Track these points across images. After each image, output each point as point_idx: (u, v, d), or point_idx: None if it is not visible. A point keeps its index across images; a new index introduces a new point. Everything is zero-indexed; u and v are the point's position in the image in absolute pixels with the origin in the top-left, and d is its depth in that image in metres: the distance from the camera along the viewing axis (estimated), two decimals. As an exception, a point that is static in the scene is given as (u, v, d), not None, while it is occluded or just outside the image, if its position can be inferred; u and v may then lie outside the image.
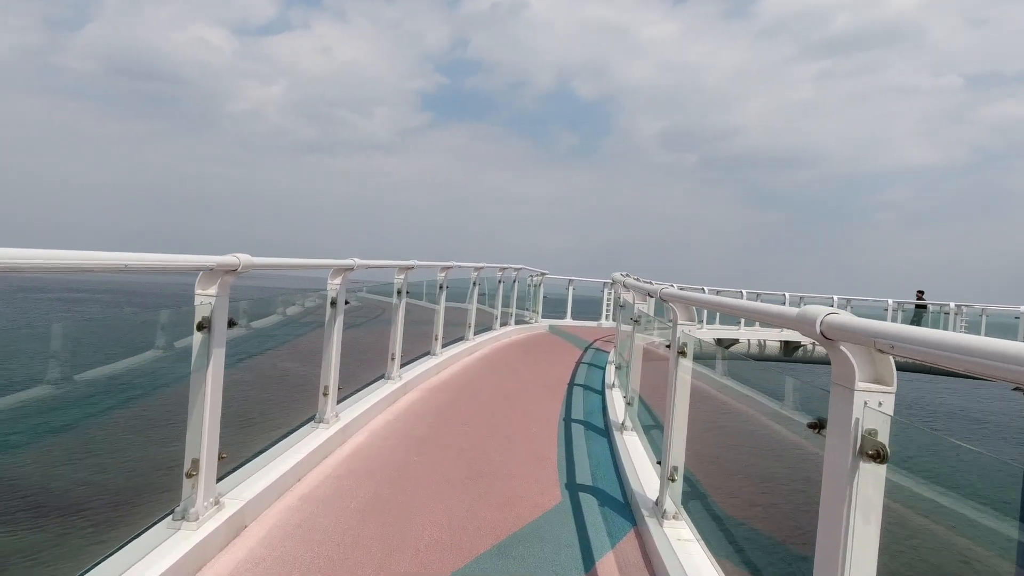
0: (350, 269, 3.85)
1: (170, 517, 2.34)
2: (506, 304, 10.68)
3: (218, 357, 2.41)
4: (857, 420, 1.28)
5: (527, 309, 12.52)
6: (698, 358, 2.79)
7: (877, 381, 1.29)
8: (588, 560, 2.56)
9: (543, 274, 12.98)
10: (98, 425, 2.33)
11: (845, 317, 1.23)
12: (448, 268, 6.79)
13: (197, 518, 2.34)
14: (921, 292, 18.99)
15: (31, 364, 2.05)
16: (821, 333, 1.27)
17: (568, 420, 4.94)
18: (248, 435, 3.22)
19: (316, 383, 3.84)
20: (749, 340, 16.18)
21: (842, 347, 1.28)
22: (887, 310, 17.48)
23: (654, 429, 3.98)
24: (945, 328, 17.47)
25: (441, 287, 6.73)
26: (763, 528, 2.34)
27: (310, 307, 4.10)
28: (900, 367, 1.28)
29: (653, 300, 4.50)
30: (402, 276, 5.32)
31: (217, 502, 2.49)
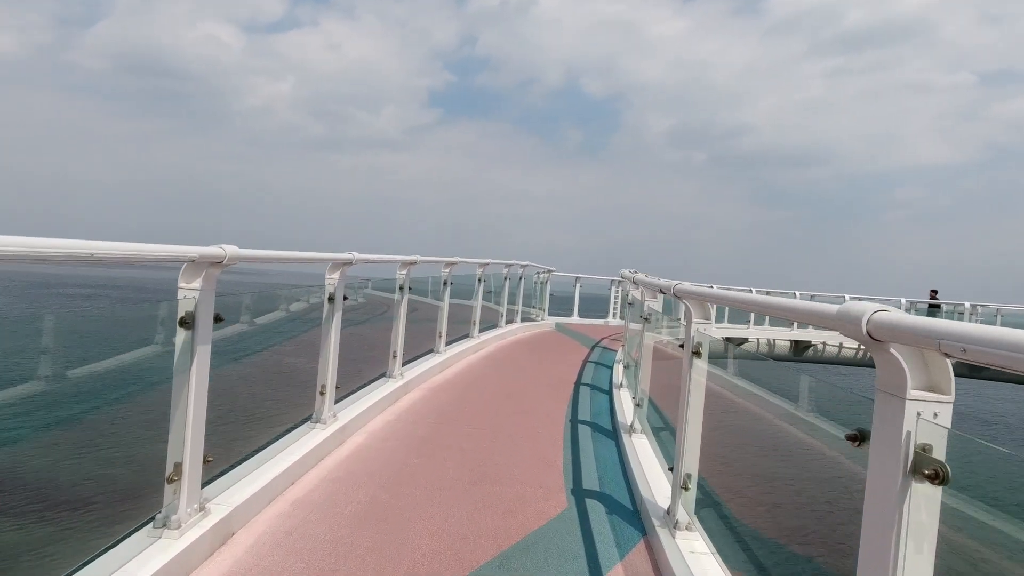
0: (348, 263, 3.71)
1: (151, 524, 2.20)
2: (512, 301, 10.52)
3: (203, 355, 2.26)
4: (908, 434, 1.11)
5: (533, 306, 12.36)
6: (713, 356, 2.63)
7: (932, 388, 1.13)
8: (595, 573, 2.40)
9: (550, 271, 12.82)
10: (72, 427, 2.19)
11: (897, 315, 1.06)
12: (452, 264, 6.64)
13: (179, 526, 2.20)
14: (935, 291, 18.69)
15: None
16: (868, 333, 1.11)
17: (574, 421, 4.78)
18: (240, 436, 3.08)
19: (314, 382, 3.70)
20: (758, 339, 15.96)
21: (892, 349, 1.11)
22: (900, 309, 17.18)
23: (665, 432, 3.82)
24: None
25: (445, 283, 6.58)
26: (787, 544, 2.18)
27: (309, 303, 3.96)
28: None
29: (662, 298, 4.34)
30: (404, 272, 5.17)
31: (202, 508, 2.35)
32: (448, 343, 6.98)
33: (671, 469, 2.79)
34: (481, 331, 8.38)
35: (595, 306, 15.29)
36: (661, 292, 3.64)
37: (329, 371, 3.68)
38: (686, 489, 2.54)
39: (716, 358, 2.67)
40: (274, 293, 4.15)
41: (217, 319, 2.36)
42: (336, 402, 3.97)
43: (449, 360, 6.64)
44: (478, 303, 8.13)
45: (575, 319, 14.08)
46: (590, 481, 3.45)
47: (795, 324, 16.28)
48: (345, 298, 3.84)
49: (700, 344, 2.55)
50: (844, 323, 1.17)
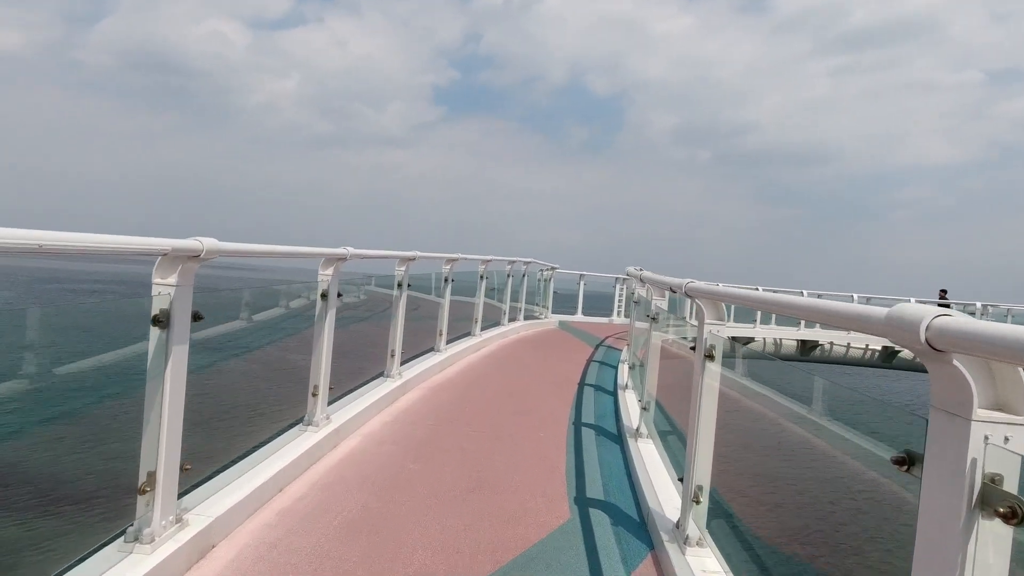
0: (343, 259, 3.54)
1: (122, 538, 2.04)
2: (515, 299, 10.36)
3: (179, 355, 2.10)
4: (974, 461, 0.94)
5: (537, 304, 12.19)
6: (726, 357, 2.45)
7: (1001, 407, 0.96)
8: (600, 592, 2.24)
9: (553, 268, 12.64)
10: (36, 432, 2.04)
11: (964, 321, 0.89)
12: (454, 260, 6.47)
13: (152, 539, 2.05)
14: (944, 291, 18.42)
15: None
16: (927, 341, 0.93)
17: (578, 424, 4.61)
18: (224, 441, 2.93)
19: (306, 383, 3.54)
20: (765, 338, 15.75)
21: (955, 361, 0.94)
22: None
23: (672, 436, 3.65)
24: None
25: (446, 280, 6.42)
26: (810, 565, 2.01)
27: (301, 300, 3.80)
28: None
29: (667, 296, 4.16)
30: (403, 268, 5.01)
31: (179, 520, 2.19)
32: (449, 341, 6.82)
33: (681, 480, 2.62)
34: (483, 329, 8.22)
35: (599, 304, 15.11)
36: (671, 291, 3.47)
37: (322, 371, 3.52)
38: (697, 502, 2.37)
39: (728, 357, 2.50)
40: (266, 289, 4.00)
41: (196, 317, 2.20)
42: (330, 403, 3.81)
43: (450, 359, 6.48)
44: (480, 301, 7.97)
45: (579, 317, 13.90)
46: (594, 489, 3.28)
47: (802, 323, 16.06)
48: (340, 295, 3.68)
49: (713, 347, 2.38)
50: (896, 329, 1.00)
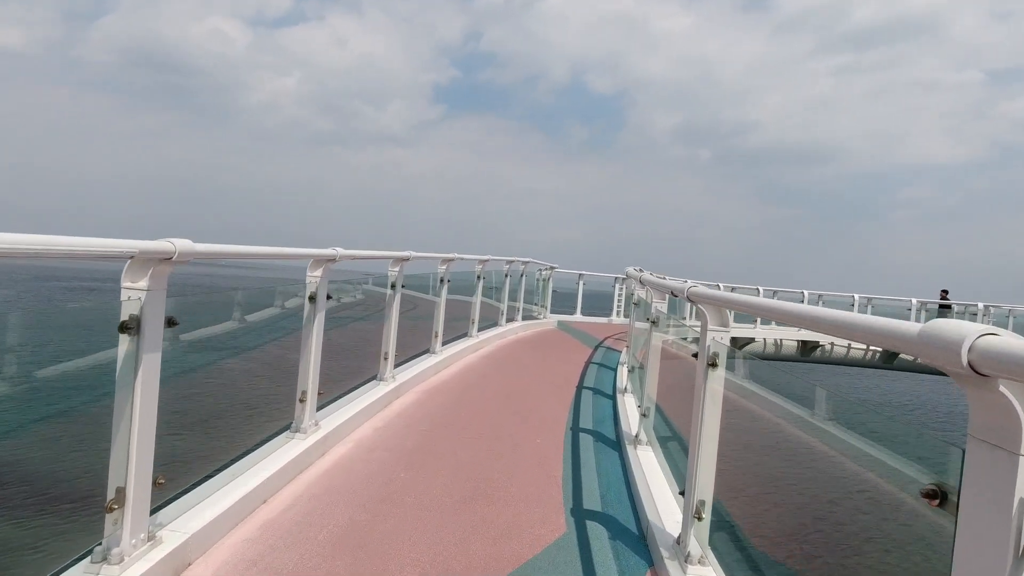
0: (332, 260, 3.42)
1: (89, 559, 1.92)
2: (513, 299, 10.24)
3: (150, 364, 1.98)
4: (1022, 502, 0.82)
5: (535, 304, 12.07)
6: (732, 359, 2.33)
7: (1053, 441, 0.84)
8: (597, 614, 2.12)
9: (552, 268, 12.52)
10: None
11: (1015, 343, 0.77)
12: (450, 260, 6.35)
13: (122, 559, 1.93)
14: (945, 291, 18.33)
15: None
16: (969, 364, 0.81)
17: (576, 429, 4.49)
18: (205, 452, 2.81)
19: (293, 388, 3.42)
20: (765, 339, 15.64)
21: (1001, 388, 0.82)
22: (910, 310, 16.85)
23: (673, 443, 3.53)
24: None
25: (442, 281, 6.30)
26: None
27: (298, 301, 3.67)
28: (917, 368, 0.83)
29: (667, 299, 4.04)
30: (397, 269, 4.88)
31: (151, 537, 2.07)
32: (445, 343, 6.70)
33: (682, 493, 2.51)
34: (480, 330, 8.10)
35: (599, 303, 15.00)
36: (672, 295, 3.35)
37: (310, 376, 3.40)
38: (699, 519, 2.25)
39: (732, 358, 2.38)
40: (253, 291, 3.88)
41: (171, 323, 2.08)
42: (319, 409, 3.69)
43: (446, 361, 6.36)
44: (477, 301, 7.85)
45: (578, 317, 13.78)
46: (591, 500, 3.16)
47: (803, 324, 15.92)
48: (329, 297, 3.56)
49: (717, 354, 2.26)
50: (932, 348, 0.88)
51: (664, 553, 2.42)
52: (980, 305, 16.79)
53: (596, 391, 5.88)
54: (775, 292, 16.75)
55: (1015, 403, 0.82)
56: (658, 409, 3.90)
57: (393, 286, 4.89)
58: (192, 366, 3.05)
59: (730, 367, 2.32)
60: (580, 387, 6.03)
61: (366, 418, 4.19)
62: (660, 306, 3.86)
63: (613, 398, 5.48)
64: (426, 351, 6.24)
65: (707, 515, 2.26)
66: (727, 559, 2.24)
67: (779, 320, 1.60)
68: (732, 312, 2.30)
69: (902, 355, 16.03)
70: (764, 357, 15.80)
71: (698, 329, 2.40)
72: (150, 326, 1.96)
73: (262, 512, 2.69)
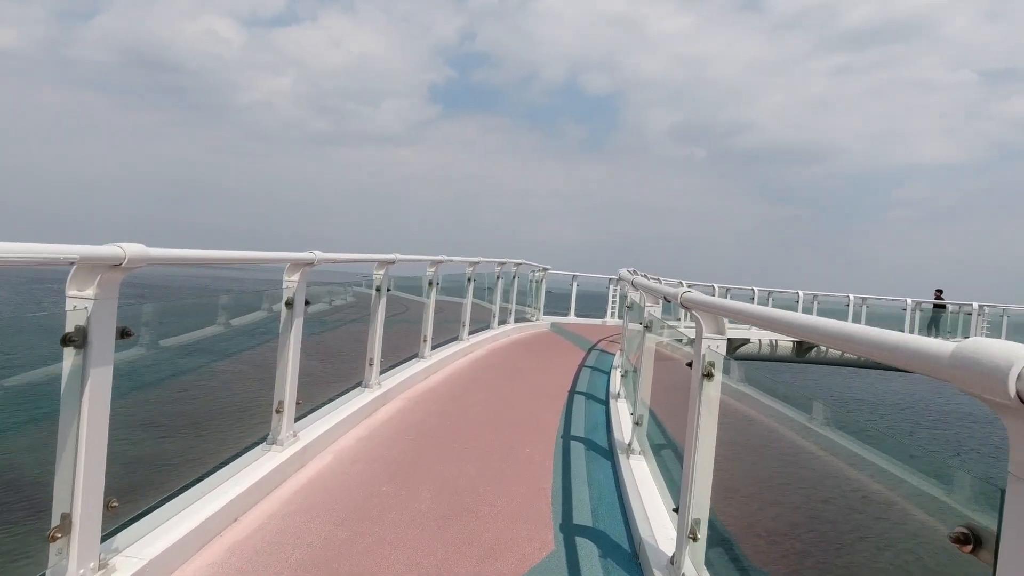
0: (310, 264, 3.27)
1: (31, 591, 1.77)
2: (505, 301, 10.09)
3: (100, 379, 1.83)
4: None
5: (528, 306, 11.93)
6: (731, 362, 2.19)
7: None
8: (585, 643, 1.98)
9: (545, 269, 12.38)
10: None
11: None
12: (438, 263, 6.20)
13: (69, 592, 1.77)
14: (940, 291, 18.29)
15: None
16: (1018, 395, 0.67)
17: (567, 437, 4.35)
18: (172, 467, 2.65)
19: (270, 397, 3.26)
20: (760, 340, 15.53)
21: (1055, 423, 0.68)
22: (905, 310, 16.79)
23: (667, 451, 3.39)
24: (967, 329, 16.78)
25: (431, 284, 6.15)
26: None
27: (266, 308, 3.52)
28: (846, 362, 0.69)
29: (660, 303, 3.89)
30: (382, 272, 4.73)
31: (104, 565, 1.92)
32: (435, 347, 6.55)
33: (676, 510, 2.36)
34: (471, 333, 7.94)
35: (594, 304, 14.87)
36: (666, 300, 3.21)
37: (287, 385, 3.24)
38: (695, 539, 2.11)
39: (733, 358, 2.24)
40: (229, 295, 3.71)
41: (124, 334, 1.92)
42: (299, 419, 3.54)
43: (434, 366, 6.20)
44: (468, 304, 7.70)
45: (572, 319, 13.66)
46: (582, 514, 3.02)
47: (798, 325, 15.84)
48: (308, 302, 3.40)
49: (712, 364, 2.12)
50: (968, 374, 0.74)
51: (657, 574, 2.28)
52: (975, 305, 16.75)
53: (589, 396, 5.74)
54: (770, 293, 16.67)
55: (1073, 441, 0.68)
56: (652, 415, 3.76)
57: (378, 289, 4.73)
58: (160, 376, 2.89)
59: (726, 370, 2.18)
60: (572, 392, 5.89)
61: (349, 427, 4.04)
62: (653, 310, 3.72)
63: (606, 404, 5.34)
64: (414, 356, 6.09)
65: (702, 535, 2.13)
66: (724, 582, 2.10)
67: (783, 332, 1.46)
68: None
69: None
70: (759, 358, 15.71)
71: (693, 332, 2.26)
72: (99, 337, 1.80)
73: (231, 533, 2.53)
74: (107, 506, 1.92)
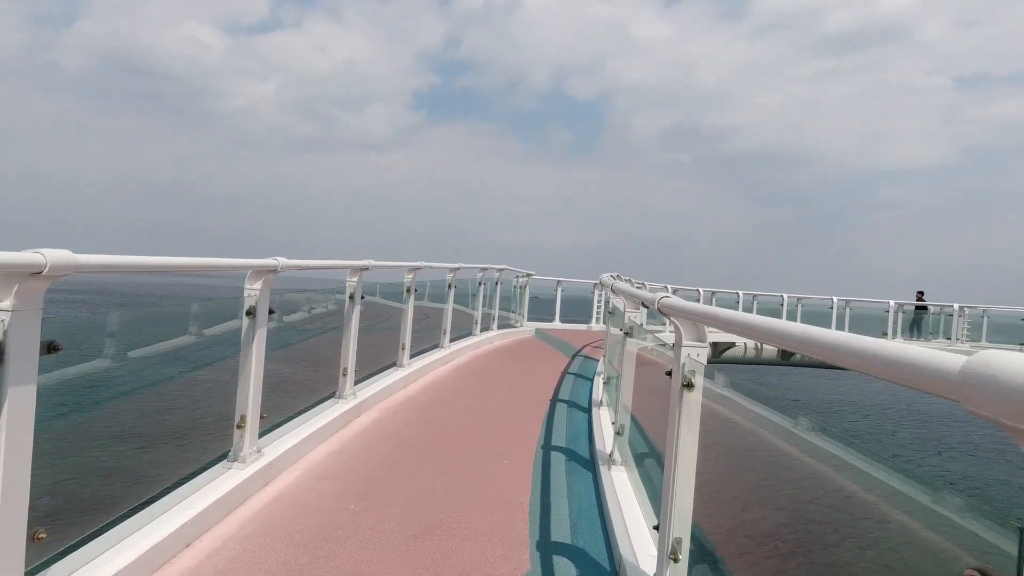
0: (273, 271, 3.11)
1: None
2: (489, 307, 9.95)
3: (20, 398, 1.66)
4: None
5: (512, 312, 11.79)
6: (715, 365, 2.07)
7: None
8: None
9: (529, 275, 12.25)
10: None
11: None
12: (416, 269, 6.04)
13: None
14: (921, 293, 18.44)
15: None
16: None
17: (548, 448, 4.21)
18: (119, 490, 2.47)
19: (231, 412, 3.09)
20: (746, 344, 15.51)
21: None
22: (888, 312, 16.89)
23: (650, 461, 3.26)
24: (948, 330, 16.91)
25: (409, 291, 5.99)
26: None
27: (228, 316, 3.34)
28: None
29: (641, 309, 3.77)
30: (355, 279, 4.57)
31: (30, 603, 1.74)
32: (415, 355, 6.38)
33: (657, 527, 2.23)
34: (452, 340, 7.78)
35: (580, 309, 14.77)
36: (644, 305, 3.09)
37: (250, 399, 3.07)
38: (675, 560, 1.98)
39: (720, 362, 2.11)
40: (195, 302, 3.53)
41: (51, 348, 1.76)
42: (264, 434, 3.37)
43: (413, 374, 6.04)
44: (449, 311, 7.54)
45: (556, 324, 13.54)
46: (560, 531, 2.88)
47: (782, 328, 15.86)
48: (272, 311, 3.24)
49: (693, 373, 1.99)
50: (981, 393, 0.61)
51: (637, 597, 2.14)
52: (956, 306, 16.89)
53: (571, 404, 5.61)
54: (755, 296, 16.68)
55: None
56: (635, 423, 3.63)
57: (351, 297, 4.57)
58: (113, 394, 2.71)
59: (709, 375, 2.05)
60: (555, 400, 5.75)
61: (319, 441, 3.86)
62: (634, 315, 3.60)
63: (589, 411, 5.21)
64: (392, 364, 5.92)
65: (684, 556, 1.99)
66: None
67: (766, 342, 1.34)
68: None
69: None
70: (745, 362, 15.69)
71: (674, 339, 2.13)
72: (18, 353, 1.63)
73: (182, 560, 2.35)
74: (33, 538, 1.75)
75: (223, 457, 3.07)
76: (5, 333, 1.60)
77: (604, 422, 4.51)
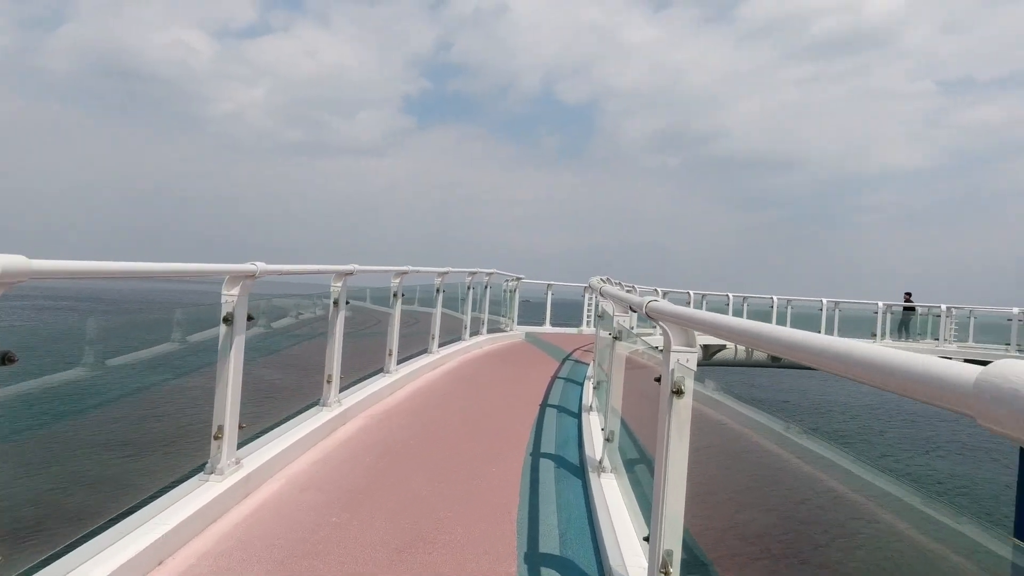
0: (251, 276, 3.01)
1: None
2: (478, 311, 9.87)
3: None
4: None
5: (502, 316, 11.72)
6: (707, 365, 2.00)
7: None
8: None
9: (518, 279, 12.18)
10: None
11: None
12: (403, 274, 5.96)
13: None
14: (909, 294, 18.56)
15: None
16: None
17: (537, 454, 4.13)
18: (85, 508, 2.36)
19: (207, 421, 2.99)
20: (736, 346, 15.53)
21: None
22: (876, 313, 16.97)
23: (640, 467, 3.19)
24: (936, 331, 17.00)
25: (395, 295, 5.90)
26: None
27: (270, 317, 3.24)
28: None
29: (629, 314, 3.71)
30: (340, 284, 4.48)
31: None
32: (402, 360, 6.29)
33: (647, 539, 2.16)
34: (441, 345, 7.70)
35: (570, 312, 14.72)
36: (632, 310, 3.03)
37: (227, 409, 2.97)
38: (666, 574, 1.91)
39: (710, 364, 2.04)
40: (187, 307, 3.43)
41: (5, 360, 1.66)
42: (244, 444, 3.27)
43: (401, 380, 5.94)
44: (437, 316, 7.45)
45: (547, 328, 13.48)
46: (549, 541, 2.80)
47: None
48: (251, 318, 3.15)
49: (682, 379, 1.93)
50: (1002, 409, 0.54)
51: (627, 611, 2.07)
52: (943, 307, 17.00)
53: (561, 409, 5.54)
54: (745, 299, 16.71)
55: None
56: (624, 427, 3.56)
57: (336, 303, 4.48)
58: (79, 407, 2.61)
59: (699, 379, 1.99)
60: (544, 405, 5.68)
61: (303, 450, 3.77)
62: (622, 319, 3.53)
63: (579, 416, 5.14)
64: (379, 371, 5.82)
65: (675, 569, 1.92)
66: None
67: (761, 349, 1.28)
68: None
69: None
70: (736, 364, 15.70)
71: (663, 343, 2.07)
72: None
73: (154, 578, 2.26)
74: (-13, 561, 1.65)
75: (200, 469, 2.97)
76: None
77: (594, 427, 4.44)
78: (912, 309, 18.05)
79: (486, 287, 10.09)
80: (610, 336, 3.81)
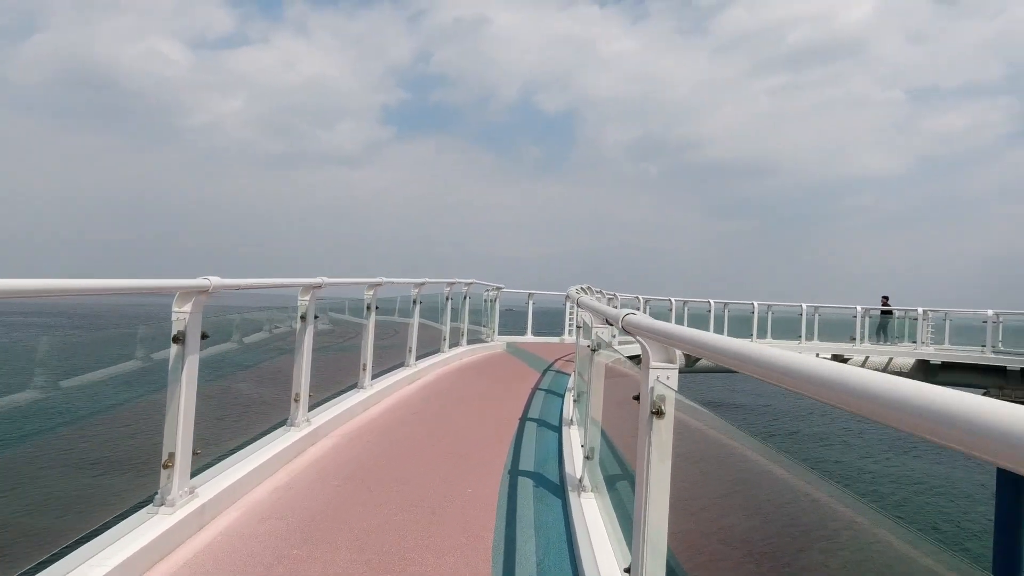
0: (204, 292, 2.82)
1: None
2: (458, 322, 9.69)
3: None
4: None
5: (483, 326, 11.54)
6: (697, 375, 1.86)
7: None
8: None
9: (499, 288, 12.03)
10: None
11: None
12: (377, 285, 5.77)
13: None
14: (886, 298, 18.76)
15: None
16: None
17: (515, 472, 3.96)
18: (26, 539, 2.15)
19: (158, 449, 2.78)
20: (718, 352, 15.49)
21: None
22: (855, 317, 17.10)
23: (622, 485, 3.04)
24: (913, 334, 17.15)
25: (369, 308, 5.71)
26: None
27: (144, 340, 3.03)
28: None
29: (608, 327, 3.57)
30: (307, 298, 4.28)
31: None
32: (378, 375, 6.09)
33: (627, 571, 2.01)
34: (419, 358, 7.50)
35: (553, 321, 14.60)
36: (608, 322, 2.89)
37: (179, 435, 2.77)
38: (649, 610, 1.76)
39: (692, 371, 1.89)
40: (154, 324, 3.21)
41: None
42: (201, 471, 3.06)
43: (376, 396, 5.74)
44: (414, 328, 7.26)
45: (529, 338, 13.33)
46: (526, 568, 2.63)
47: (754, 336, 15.93)
48: (205, 336, 2.94)
49: (663, 399, 1.78)
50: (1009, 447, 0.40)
51: (608, 651, 1.91)
52: (920, 310, 17.19)
53: (541, 423, 5.38)
54: (726, 305, 16.73)
55: None
56: (605, 440, 3.40)
57: (303, 318, 4.28)
58: (26, 430, 2.39)
59: (681, 392, 1.84)
60: (524, 419, 5.51)
61: (266, 475, 3.55)
62: (601, 331, 3.39)
63: (559, 431, 4.98)
64: (353, 386, 5.61)
65: (658, 605, 1.77)
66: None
67: (747, 372, 1.14)
68: (681, 316, 1.84)
69: (851, 361, 16.23)
70: (717, 370, 15.67)
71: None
72: None
73: (87, 628, 2.04)
74: None
75: (148, 502, 2.76)
76: None
77: (574, 443, 4.29)
78: (890, 313, 18.23)
79: (465, 297, 9.92)
80: (589, 348, 3.67)
